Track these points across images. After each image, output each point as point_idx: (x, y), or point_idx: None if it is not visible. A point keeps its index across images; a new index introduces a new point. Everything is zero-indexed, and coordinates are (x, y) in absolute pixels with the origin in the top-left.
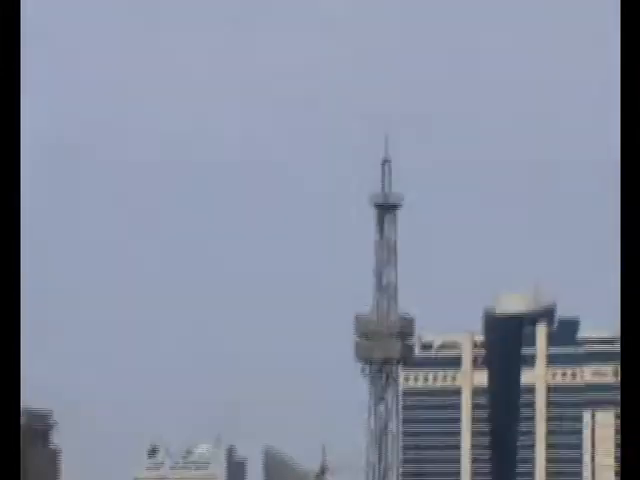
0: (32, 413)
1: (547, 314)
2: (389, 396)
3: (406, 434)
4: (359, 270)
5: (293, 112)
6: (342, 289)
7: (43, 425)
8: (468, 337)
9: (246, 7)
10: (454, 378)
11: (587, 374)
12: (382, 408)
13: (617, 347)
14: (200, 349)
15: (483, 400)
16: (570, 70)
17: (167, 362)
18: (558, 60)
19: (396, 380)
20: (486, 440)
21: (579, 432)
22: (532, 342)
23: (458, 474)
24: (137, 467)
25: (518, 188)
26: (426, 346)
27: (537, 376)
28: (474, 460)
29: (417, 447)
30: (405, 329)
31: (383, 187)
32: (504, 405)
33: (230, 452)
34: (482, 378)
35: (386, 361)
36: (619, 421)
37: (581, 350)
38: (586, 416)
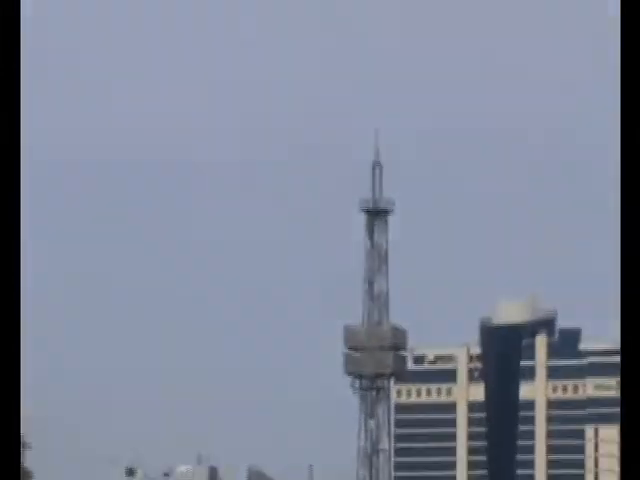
0: None
1: (547, 324)
2: (380, 412)
3: (398, 452)
4: (348, 279)
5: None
6: (330, 298)
7: None
8: (464, 349)
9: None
10: (449, 392)
11: (590, 387)
12: (373, 424)
13: None
14: (179, 364)
15: (480, 415)
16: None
17: (144, 377)
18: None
19: (388, 395)
20: (483, 457)
21: (581, 449)
22: (531, 354)
23: None
24: None
25: (514, 190)
26: (419, 359)
27: (537, 390)
28: (471, 479)
29: (410, 466)
30: (397, 341)
31: (373, 192)
32: (502, 421)
33: (212, 472)
34: (479, 392)
35: (377, 375)
36: None
37: (583, 362)
38: (589, 432)
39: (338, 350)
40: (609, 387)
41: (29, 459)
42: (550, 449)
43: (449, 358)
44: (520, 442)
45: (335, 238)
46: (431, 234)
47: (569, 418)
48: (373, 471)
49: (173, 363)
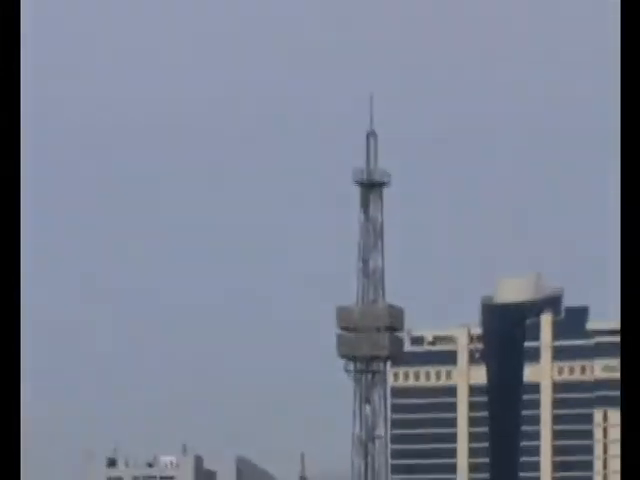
0: None
1: (552, 302)
2: (376, 396)
3: (395, 439)
4: (341, 255)
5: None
6: (323, 276)
7: None
8: (464, 329)
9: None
10: (449, 375)
11: (598, 369)
12: (368, 410)
13: None
14: (165, 350)
15: (481, 399)
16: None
17: (128, 366)
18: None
19: (384, 378)
20: (485, 444)
21: (589, 434)
22: (536, 334)
23: None
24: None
25: (518, 161)
26: (417, 340)
27: (542, 372)
28: (472, 467)
29: (408, 453)
30: (394, 321)
31: (368, 162)
32: (505, 405)
33: (198, 462)
34: (480, 375)
35: (372, 357)
36: None
37: (591, 342)
38: (597, 416)
39: (331, 331)
40: (618, 368)
41: None
42: (556, 434)
43: (449, 339)
44: (524, 427)
45: (327, 212)
46: (429, 208)
47: (576, 401)
48: (369, 459)
49: (159, 350)
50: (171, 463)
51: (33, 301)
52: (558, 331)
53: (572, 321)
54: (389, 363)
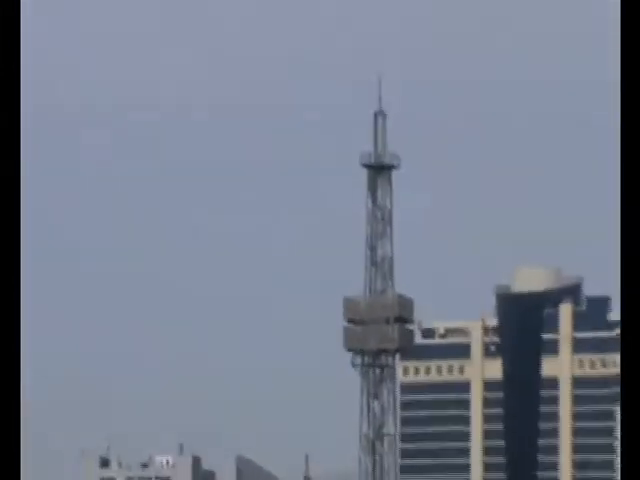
0: None
1: (572, 291)
2: (385, 392)
3: (405, 437)
4: (348, 243)
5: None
6: (329, 266)
7: None
8: (478, 321)
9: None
10: (462, 370)
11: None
12: (376, 406)
13: None
14: (163, 346)
15: (496, 395)
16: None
17: (123, 362)
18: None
19: (393, 373)
20: (501, 443)
21: (611, 432)
22: (554, 325)
23: None
24: None
25: (536, 145)
26: (428, 332)
27: (561, 366)
28: (486, 467)
29: (418, 452)
30: (403, 312)
31: (376, 145)
32: (521, 401)
33: (196, 462)
34: (495, 369)
35: (381, 351)
36: None
37: (613, 334)
38: (619, 413)
39: (337, 323)
40: None
41: None
42: (576, 432)
43: (462, 331)
44: (542, 425)
45: (334, 197)
46: (441, 194)
47: (597, 397)
48: (377, 458)
49: (158, 347)
50: (167, 463)
51: (33, 301)
52: (578, 322)
53: (593, 311)
54: (398, 357)
